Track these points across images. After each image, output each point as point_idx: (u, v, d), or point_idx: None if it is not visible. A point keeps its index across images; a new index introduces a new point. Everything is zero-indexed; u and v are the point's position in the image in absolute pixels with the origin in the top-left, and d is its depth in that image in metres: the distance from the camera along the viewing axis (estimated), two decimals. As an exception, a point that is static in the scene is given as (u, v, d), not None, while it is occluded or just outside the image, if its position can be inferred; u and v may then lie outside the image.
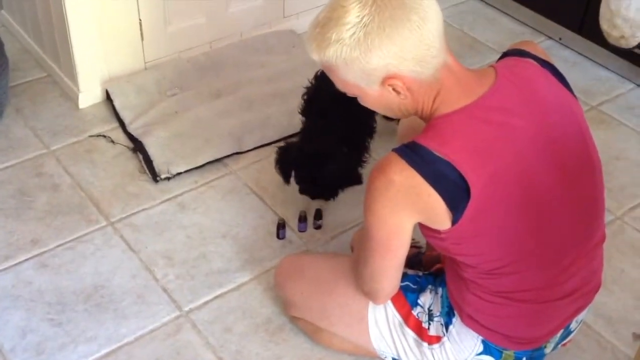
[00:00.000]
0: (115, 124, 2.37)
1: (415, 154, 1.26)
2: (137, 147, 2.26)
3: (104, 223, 2.05)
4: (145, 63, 2.50)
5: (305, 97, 2.10)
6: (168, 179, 2.18)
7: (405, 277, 1.55)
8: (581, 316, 1.54)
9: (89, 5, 2.27)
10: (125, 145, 2.29)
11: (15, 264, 1.93)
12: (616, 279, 1.95)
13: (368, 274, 1.44)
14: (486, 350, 1.47)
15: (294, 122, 2.38)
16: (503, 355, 1.48)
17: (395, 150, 1.30)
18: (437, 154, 1.25)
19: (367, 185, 1.32)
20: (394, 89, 1.29)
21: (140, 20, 2.41)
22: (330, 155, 1.95)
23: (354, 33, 1.23)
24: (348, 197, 2.15)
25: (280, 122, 2.38)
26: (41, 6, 2.39)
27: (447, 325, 1.49)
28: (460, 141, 1.27)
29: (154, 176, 2.17)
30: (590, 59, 2.76)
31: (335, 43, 1.24)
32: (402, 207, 1.28)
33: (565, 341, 1.59)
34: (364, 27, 1.22)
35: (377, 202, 1.30)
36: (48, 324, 1.79)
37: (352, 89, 1.32)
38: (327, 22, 1.25)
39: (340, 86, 1.33)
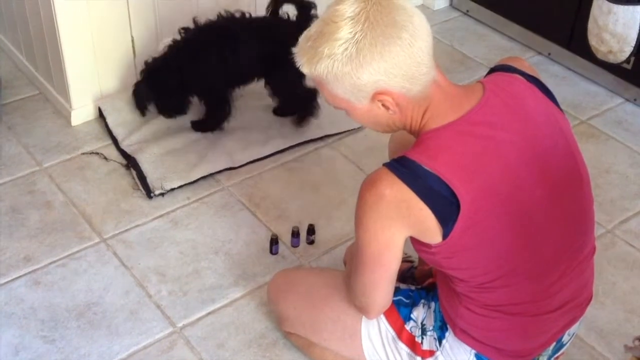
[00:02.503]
0: (108, 141, 2.38)
1: (405, 169, 1.27)
2: (131, 163, 2.26)
3: (96, 240, 2.05)
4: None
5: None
6: (162, 194, 2.18)
7: (397, 291, 1.55)
8: (573, 329, 1.55)
9: (82, 23, 2.28)
10: (118, 162, 2.30)
11: (8, 282, 1.92)
12: (608, 291, 1.96)
13: (360, 288, 1.45)
14: (479, 364, 1.48)
15: (288, 137, 2.40)
16: (496, 368, 1.49)
17: (386, 164, 1.31)
18: (427, 168, 1.27)
19: (357, 199, 1.32)
20: (383, 105, 1.30)
21: (132, 37, 2.42)
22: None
23: (346, 49, 1.24)
24: (341, 212, 2.16)
25: (273, 136, 2.39)
26: (33, 24, 2.41)
27: (440, 339, 1.50)
28: (449, 155, 1.28)
29: (148, 192, 2.18)
30: (580, 74, 2.78)
31: (327, 58, 1.26)
32: (392, 221, 1.29)
33: (557, 354, 1.59)
34: (357, 43, 1.24)
35: (368, 217, 1.30)
36: (41, 341, 1.78)
37: (341, 103, 1.33)
38: (319, 36, 1.27)
39: (329, 100, 1.35)
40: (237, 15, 2.29)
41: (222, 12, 2.29)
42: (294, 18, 2.29)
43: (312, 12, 2.26)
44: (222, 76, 2.27)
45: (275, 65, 2.26)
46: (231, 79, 2.32)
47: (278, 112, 2.45)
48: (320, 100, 2.32)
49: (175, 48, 2.28)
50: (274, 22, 2.30)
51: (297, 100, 2.38)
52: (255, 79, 2.37)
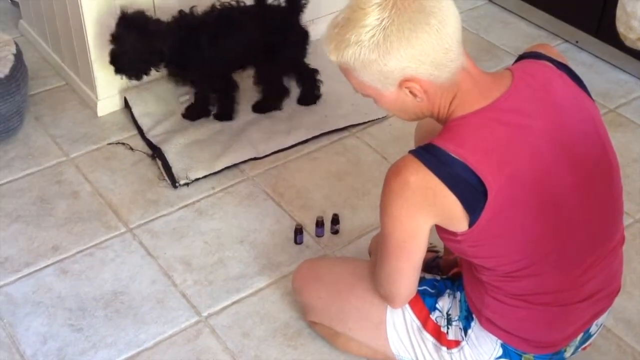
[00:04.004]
0: (134, 132, 2.39)
1: (431, 156, 1.27)
2: (156, 153, 2.28)
3: (123, 229, 2.07)
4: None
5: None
6: (187, 184, 2.19)
7: (423, 281, 1.55)
8: (601, 320, 1.53)
9: (108, 14, 2.29)
10: (144, 152, 2.31)
11: (36, 271, 1.95)
12: (636, 282, 1.94)
13: (384, 277, 1.45)
14: (505, 354, 1.47)
15: (312, 127, 2.39)
16: (522, 359, 1.47)
17: (412, 151, 1.30)
18: (454, 155, 1.26)
19: (383, 186, 1.32)
20: (410, 92, 1.29)
21: (157, 28, 2.43)
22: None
23: (373, 35, 1.23)
24: (365, 202, 2.16)
25: (296, 126, 2.39)
26: (60, 15, 2.42)
27: (465, 329, 1.49)
28: (477, 143, 1.27)
29: (173, 182, 2.19)
30: (608, 62, 2.74)
31: (354, 45, 1.25)
32: (418, 209, 1.28)
33: (585, 345, 1.58)
34: (384, 29, 1.23)
35: (393, 204, 1.30)
36: (69, 330, 1.80)
37: (368, 90, 1.32)
38: (346, 23, 1.26)
39: (356, 87, 1.34)
40: (233, 3, 2.30)
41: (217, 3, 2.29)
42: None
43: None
44: (219, 63, 2.27)
45: (269, 51, 2.30)
46: (228, 65, 2.33)
47: (259, 107, 2.44)
48: (340, 86, 2.31)
49: (173, 26, 2.25)
50: (265, 9, 2.32)
51: (300, 78, 2.44)
52: (252, 65, 2.39)
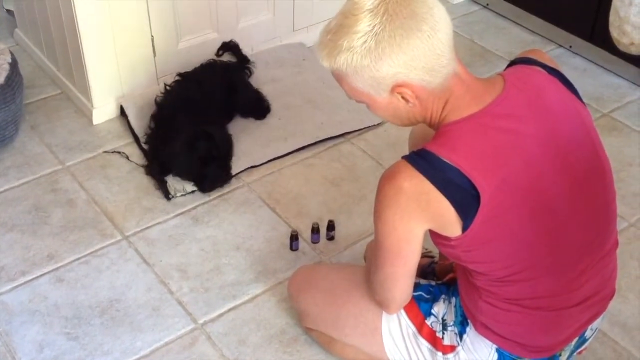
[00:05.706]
0: (130, 139, 2.40)
1: (424, 161, 1.27)
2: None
3: (118, 237, 2.07)
4: (158, 78, 2.52)
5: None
6: (183, 195, 2.19)
7: (418, 286, 1.55)
8: (596, 324, 1.54)
9: (102, 22, 2.30)
10: (137, 164, 2.30)
11: (32, 279, 1.95)
12: (631, 285, 1.94)
13: (379, 283, 1.45)
14: (501, 359, 1.47)
15: (307, 134, 2.40)
16: (518, 363, 1.48)
17: (405, 157, 1.30)
18: (447, 160, 1.26)
19: (376, 192, 1.32)
20: (402, 97, 1.30)
21: (152, 36, 2.44)
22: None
23: (365, 41, 1.24)
24: (361, 208, 2.16)
25: (292, 133, 2.39)
26: (55, 24, 2.43)
27: (461, 334, 1.49)
28: (470, 148, 1.28)
29: (166, 194, 2.17)
30: (601, 66, 2.76)
31: (346, 51, 1.25)
32: (412, 214, 1.29)
33: (580, 349, 1.58)
34: (375, 35, 1.23)
35: (387, 209, 1.30)
36: (64, 338, 1.80)
37: (361, 96, 1.33)
38: (338, 29, 1.27)
39: (349, 93, 1.34)
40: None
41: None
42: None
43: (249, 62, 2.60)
44: None
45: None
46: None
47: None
48: (335, 93, 2.32)
49: None
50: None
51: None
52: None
